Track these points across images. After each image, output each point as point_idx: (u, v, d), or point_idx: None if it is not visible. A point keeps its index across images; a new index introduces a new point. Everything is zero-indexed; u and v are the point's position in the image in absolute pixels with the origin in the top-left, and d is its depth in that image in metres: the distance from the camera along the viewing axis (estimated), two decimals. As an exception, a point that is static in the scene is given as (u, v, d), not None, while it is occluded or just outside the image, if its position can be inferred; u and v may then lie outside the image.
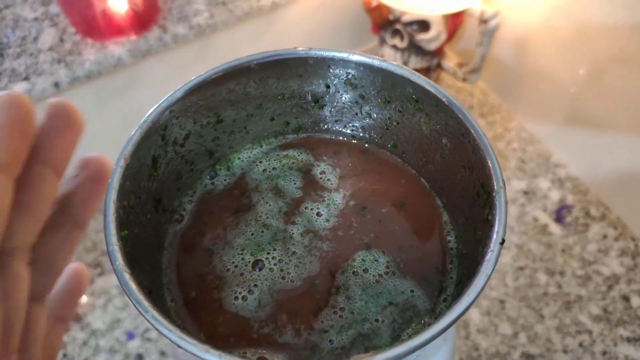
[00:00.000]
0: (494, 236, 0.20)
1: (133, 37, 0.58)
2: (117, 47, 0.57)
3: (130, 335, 0.54)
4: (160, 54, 0.60)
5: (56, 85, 0.55)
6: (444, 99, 0.24)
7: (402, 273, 0.26)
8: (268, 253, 0.26)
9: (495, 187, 0.21)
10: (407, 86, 0.25)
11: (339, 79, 0.27)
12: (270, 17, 0.65)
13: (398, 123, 0.27)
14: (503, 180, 0.21)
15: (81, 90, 0.58)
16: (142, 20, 0.58)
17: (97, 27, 0.57)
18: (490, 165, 0.22)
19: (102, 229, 0.60)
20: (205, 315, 0.24)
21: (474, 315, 0.59)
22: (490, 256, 0.20)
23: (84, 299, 0.57)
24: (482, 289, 0.19)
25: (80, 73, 0.56)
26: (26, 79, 0.55)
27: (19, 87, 0.55)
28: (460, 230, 0.26)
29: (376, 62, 0.25)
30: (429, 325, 0.19)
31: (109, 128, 0.62)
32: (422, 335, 0.18)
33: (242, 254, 0.26)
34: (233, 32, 0.63)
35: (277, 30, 0.66)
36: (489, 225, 0.21)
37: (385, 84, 0.26)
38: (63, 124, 0.19)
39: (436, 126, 0.25)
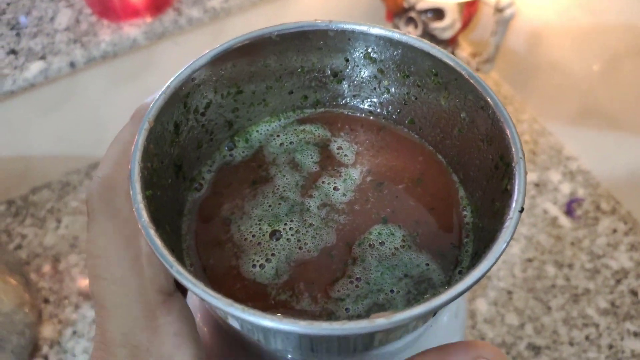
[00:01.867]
0: (513, 205, 0.20)
1: (148, 19, 0.58)
2: (132, 29, 0.58)
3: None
4: (175, 36, 0.60)
5: (72, 65, 0.56)
6: (463, 72, 0.24)
7: (418, 247, 0.26)
8: (285, 224, 0.26)
9: (515, 158, 0.21)
10: (426, 60, 0.25)
11: (358, 52, 0.27)
12: (283, 2, 0.65)
13: (416, 98, 0.27)
14: (522, 151, 0.22)
15: (96, 71, 0.59)
16: (158, 2, 0.58)
17: (112, 9, 0.57)
18: (510, 136, 0.22)
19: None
20: (224, 281, 0.24)
21: (480, 305, 0.59)
22: (509, 223, 0.20)
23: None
24: (501, 254, 0.19)
25: (95, 53, 0.56)
26: (43, 58, 0.56)
27: (36, 66, 0.55)
28: (477, 204, 0.26)
29: (396, 35, 0.25)
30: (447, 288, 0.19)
31: (123, 109, 0.62)
32: (441, 297, 0.18)
33: (259, 224, 0.26)
34: (247, 16, 0.63)
35: (291, 16, 0.66)
36: (507, 195, 0.21)
37: (405, 58, 0.26)
38: None
39: (455, 100, 0.25)
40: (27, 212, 0.63)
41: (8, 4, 0.60)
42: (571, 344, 0.57)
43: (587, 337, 0.57)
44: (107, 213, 0.22)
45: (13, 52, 0.56)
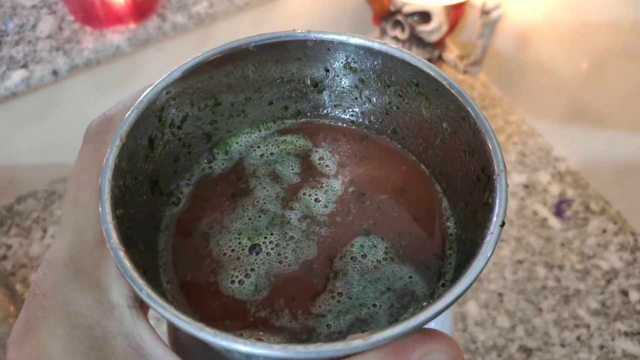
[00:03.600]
0: (494, 219, 0.20)
1: (132, 26, 0.58)
2: (116, 36, 0.57)
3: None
4: (159, 43, 0.60)
5: (55, 73, 0.55)
6: (444, 82, 0.24)
7: (401, 259, 0.25)
8: (265, 237, 0.26)
9: (496, 170, 0.21)
10: (407, 69, 0.25)
11: (338, 62, 0.27)
12: (270, 7, 0.64)
13: (398, 108, 0.27)
14: (504, 164, 0.21)
15: (80, 79, 0.58)
16: (141, 8, 0.58)
17: (95, 15, 0.56)
18: (491, 148, 0.22)
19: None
20: (201, 298, 0.24)
21: (471, 308, 0.59)
22: (489, 238, 0.19)
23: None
24: (481, 270, 0.19)
25: (78, 61, 0.56)
26: (24, 66, 0.55)
27: (18, 75, 0.54)
28: (460, 216, 0.25)
29: (376, 44, 0.25)
30: (427, 307, 0.18)
31: (108, 117, 0.62)
32: (419, 316, 0.18)
33: (239, 238, 0.26)
34: (233, 21, 0.62)
35: (277, 21, 0.66)
36: (489, 208, 0.21)
37: (385, 68, 0.26)
38: None
39: (436, 110, 0.25)
40: (12, 222, 0.63)
41: (-11, 12, 0.60)
42: (562, 345, 0.56)
43: (578, 338, 0.57)
44: (94, 142, 0.23)
45: (-6, 60, 0.55)
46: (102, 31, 0.57)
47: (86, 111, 0.62)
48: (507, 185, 0.21)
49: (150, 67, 0.61)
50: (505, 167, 0.21)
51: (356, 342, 0.17)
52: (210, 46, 0.24)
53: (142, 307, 0.21)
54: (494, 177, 0.21)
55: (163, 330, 0.54)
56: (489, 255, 0.19)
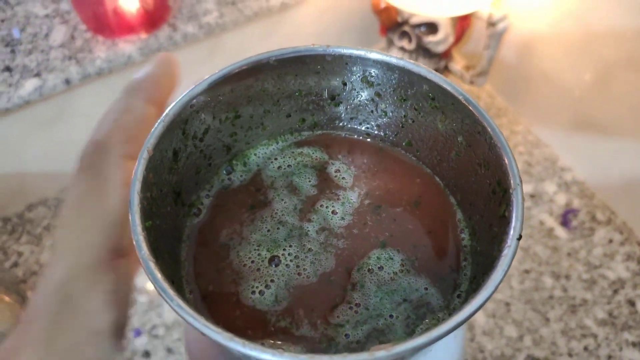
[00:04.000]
0: (511, 232, 0.20)
1: (143, 36, 0.58)
2: (127, 45, 0.58)
3: (138, 332, 0.54)
4: (170, 52, 0.60)
5: (67, 81, 0.56)
6: (460, 97, 0.24)
7: (417, 271, 0.26)
8: (284, 249, 0.26)
9: (512, 184, 0.22)
10: (423, 84, 0.26)
11: (355, 76, 0.27)
12: (279, 18, 0.65)
13: (413, 121, 0.28)
14: (520, 178, 0.22)
15: (92, 87, 0.59)
16: (153, 18, 0.59)
17: (108, 25, 0.57)
18: (507, 162, 0.22)
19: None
20: (223, 309, 0.24)
21: (479, 317, 0.59)
22: (507, 251, 0.20)
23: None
24: (500, 282, 0.19)
25: (91, 70, 0.56)
26: (37, 75, 0.56)
27: (31, 83, 0.55)
28: (475, 228, 0.26)
29: (393, 59, 0.25)
30: (446, 318, 0.19)
31: (119, 126, 0.62)
32: (441, 327, 0.18)
33: (258, 249, 0.26)
34: (242, 31, 0.63)
35: (286, 31, 0.66)
36: (505, 221, 0.21)
37: (402, 82, 0.26)
38: (168, 71, 0.26)
39: (452, 124, 0.26)
40: (23, 230, 0.63)
41: (2, 21, 0.60)
42: (570, 354, 0.57)
43: (585, 348, 0.57)
44: (88, 171, 0.23)
45: (8, 69, 0.56)
46: (114, 41, 0.58)
47: (97, 119, 0.63)
48: (523, 199, 0.21)
49: (161, 77, 0.62)
50: (521, 181, 0.22)
51: (380, 353, 0.17)
52: (220, 55, 0.24)
53: (121, 335, 0.22)
54: (510, 190, 0.21)
55: (173, 338, 0.55)
56: (506, 268, 0.20)
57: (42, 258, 0.61)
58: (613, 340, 0.57)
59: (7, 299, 0.55)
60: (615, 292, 0.60)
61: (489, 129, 0.23)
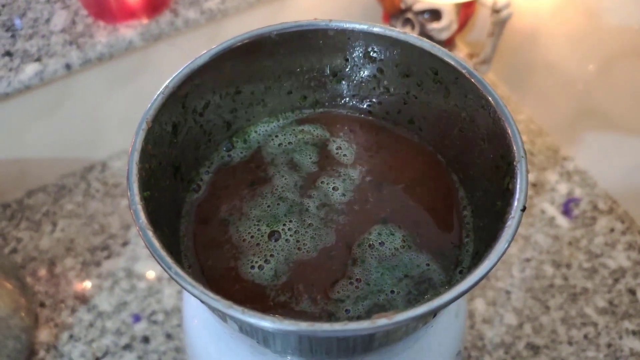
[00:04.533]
0: (515, 203, 0.20)
1: (145, 21, 0.58)
2: (128, 30, 0.57)
3: (137, 318, 0.54)
4: (171, 38, 0.60)
5: (68, 67, 0.56)
6: (464, 71, 0.24)
7: (418, 247, 0.26)
8: (284, 224, 0.26)
9: (517, 157, 0.21)
10: (426, 59, 0.25)
11: (358, 52, 0.27)
12: (281, 4, 0.65)
13: (416, 98, 0.27)
14: (524, 150, 0.22)
15: (92, 73, 0.58)
16: (154, 4, 0.58)
17: (109, 10, 0.57)
18: (511, 135, 0.22)
19: (109, 212, 0.60)
20: (222, 282, 0.24)
21: (479, 305, 0.59)
22: (511, 222, 0.20)
23: (89, 283, 0.57)
24: (503, 253, 0.19)
25: (91, 55, 0.56)
26: (38, 60, 0.55)
27: (31, 68, 0.55)
28: (477, 204, 0.26)
29: (396, 34, 0.25)
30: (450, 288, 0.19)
31: (120, 110, 0.62)
32: (443, 296, 0.18)
33: (258, 224, 0.26)
34: (244, 17, 0.63)
35: (288, 17, 0.66)
36: (509, 194, 0.21)
37: (405, 57, 0.26)
38: None
39: (455, 99, 0.25)
40: (23, 216, 0.63)
41: (3, 6, 0.60)
42: (570, 343, 0.57)
43: (585, 336, 0.57)
44: None
45: (8, 54, 0.56)
46: (115, 26, 0.58)
47: (98, 105, 0.62)
48: (527, 171, 0.21)
49: (162, 62, 0.62)
50: (525, 154, 0.21)
51: (381, 321, 0.17)
52: (221, 42, 0.24)
53: None
54: (515, 163, 0.21)
55: (173, 323, 0.54)
56: (510, 238, 0.19)
57: (41, 244, 0.60)
58: (613, 328, 0.57)
59: (7, 285, 0.55)
60: (616, 281, 0.60)
61: (493, 102, 0.23)
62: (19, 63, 0.55)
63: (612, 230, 0.63)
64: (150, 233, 0.19)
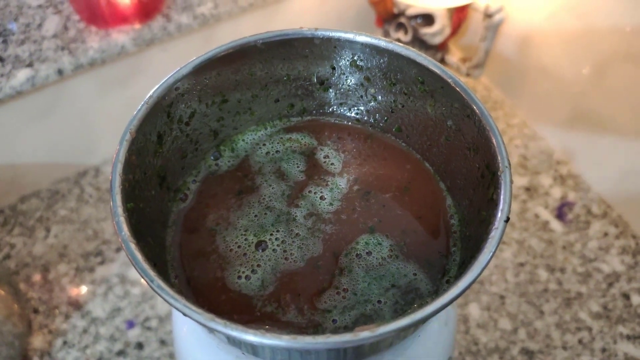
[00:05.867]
0: (499, 214, 0.20)
1: (137, 26, 0.58)
2: (120, 36, 0.57)
3: (131, 324, 0.54)
4: (163, 43, 0.60)
5: (60, 72, 0.55)
6: (449, 80, 0.24)
7: (406, 256, 0.26)
8: (271, 234, 0.26)
9: (501, 167, 0.21)
10: (412, 68, 0.25)
11: (344, 60, 0.27)
12: (273, 9, 0.65)
13: (403, 106, 0.27)
14: (508, 160, 0.21)
15: (84, 78, 0.58)
16: (147, 8, 0.58)
17: (101, 15, 0.57)
18: (495, 145, 0.22)
19: (103, 217, 0.60)
20: (209, 293, 0.24)
21: (473, 310, 0.59)
22: (494, 233, 0.20)
23: (84, 288, 0.57)
24: (486, 265, 0.19)
25: (83, 60, 0.56)
26: (30, 65, 0.55)
27: (23, 74, 0.55)
28: (464, 213, 0.26)
29: (382, 42, 0.25)
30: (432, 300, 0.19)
31: (112, 116, 0.62)
32: (426, 309, 0.18)
33: (245, 234, 0.26)
34: (237, 22, 0.63)
35: (281, 22, 0.66)
36: (493, 204, 0.21)
37: (391, 66, 0.26)
38: None
39: (441, 108, 0.25)
40: (16, 221, 0.63)
41: (-5, 11, 0.60)
42: (564, 347, 0.56)
43: (580, 341, 0.57)
44: None
45: (0, 59, 0.56)
46: (107, 31, 0.58)
47: (91, 110, 0.62)
48: (511, 182, 0.21)
49: (155, 67, 0.61)
50: (509, 164, 0.21)
51: (364, 334, 0.17)
52: (214, 46, 0.24)
53: None
54: (499, 173, 0.21)
55: (166, 330, 0.54)
56: (493, 249, 0.19)
57: (35, 250, 0.60)
58: (607, 333, 0.57)
59: (0, 291, 0.55)
60: (610, 285, 0.60)
61: (478, 112, 0.23)
62: (10, 68, 0.55)
63: (606, 234, 0.63)
64: (132, 245, 0.19)
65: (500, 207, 0.20)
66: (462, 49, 0.70)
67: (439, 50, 0.66)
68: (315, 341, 0.17)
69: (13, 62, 0.55)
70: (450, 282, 0.25)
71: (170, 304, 0.18)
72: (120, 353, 0.53)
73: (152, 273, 0.18)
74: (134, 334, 0.54)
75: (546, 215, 0.65)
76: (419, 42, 0.64)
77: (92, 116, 0.62)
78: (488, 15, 0.59)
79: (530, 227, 0.64)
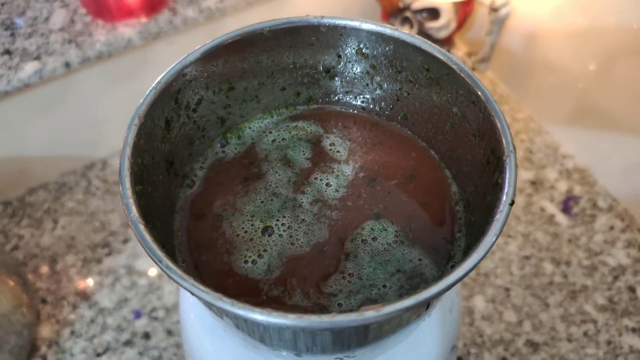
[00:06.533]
0: (504, 198, 0.20)
1: (143, 19, 0.58)
2: (127, 29, 0.58)
3: (138, 314, 0.55)
4: (170, 36, 0.60)
5: (67, 65, 0.56)
6: (454, 67, 0.24)
7: (411, 242, 0.26)
8: (277, 220, 0.26)
9: (506, 151, 0.21)
10: (418, 55, 0.25)
11: (350, 48, 0.27)
12: (279, 2, 0.65)
13: (409, 94, 0.28)
14: (513, 145, 0.22)
15: (91, 71, 0.59)
16: (153, 2, 0.58)
17: (107, 9, 0.57)
18: (500, 130, 0.22)
19: (110, 209, 0.60)
20: (216, 277, 0.24)
21: (478, 302, 0.59)
22: (499, 216, 0.20)
23: (91, 280, 0.58)
24: (491, 246, 0.19)
25: (90, 54, 0.56)
26: (37, 58, 0.56)
27: (30, 67, 0.55)
28: (469, 199, 0.26)
29: (388, 30, 0.25)
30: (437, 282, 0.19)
31: (119, 109, 0.62)
32: (431, 289, 0.18)
33: (251, 220, 0.26)
34: (242, 16, 0.63)
35: (286, 15, 0.66)
36: (498, 188, 0.21)
37: (397, 53, 0.26)
38: None
39: (447, 95, 0.25)
40: (24, 213, 0.63)
41: (2, 4, 0.60)
42: (569, 340, 0.56)
43: (585, 333, 0.57)
44: None
45: (7, 52, 0.56)
46: (113, 24, 0.58)
47: (98, 103, 0.63)
48: (516, 166, 0.21)
49: (161, 61, 0.62)
50: (514, 149, 0.22)
51: (369, 313, 0.17)
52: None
53: None
54: (504, 158, 0.21)
55: (173, 320, 0.55)
56: (498, 232, 0.19)
57: (43, 241, 0.61)
58: (613, 326, 0.57)
59: (9, 281, 0.55)
60: (616, 278, 0.60)
61: (483, 97, 0.23)
62: (18, 61, 0.55)
63: (611, 228, 0.63)
64: (141, 226, 0.19)
65: (505, 190, 0.20)
66: (468, 43, 0.70)
67: (445, 44, 0.66)
68: (321, 320, 0.17)
69: (21, 55, 0.56)
70: (455, 268, 0.25)
71: (179, 284, 0.18)
72: (127, 343, 0.53)
73: (160, 253, 0.18)
74: (141, 324, 0.54)
75: (552, 208, 0.65)
76: (424, 36, 0.64)
77: (99, 109, 0.63)
78: (494, 10, 0.58)
79: (535, 221, 0.64)
